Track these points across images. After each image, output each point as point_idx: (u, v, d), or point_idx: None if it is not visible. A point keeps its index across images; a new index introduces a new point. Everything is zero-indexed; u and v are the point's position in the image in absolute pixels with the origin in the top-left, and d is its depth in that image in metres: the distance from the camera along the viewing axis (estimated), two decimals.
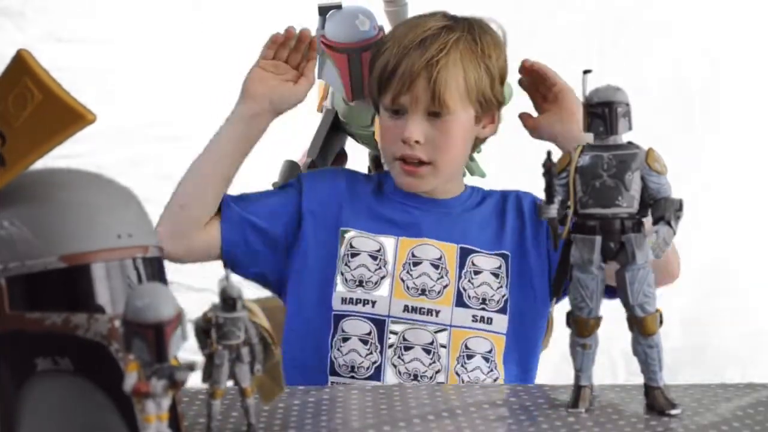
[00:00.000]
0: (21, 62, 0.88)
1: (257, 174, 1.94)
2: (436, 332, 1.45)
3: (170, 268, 0.98)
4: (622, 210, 1.07)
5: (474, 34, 1.49)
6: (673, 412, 1.09)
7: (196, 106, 3.07)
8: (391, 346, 1.45)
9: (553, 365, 1.67)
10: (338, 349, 1.46)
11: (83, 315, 0.87)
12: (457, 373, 1.44)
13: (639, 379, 1.13)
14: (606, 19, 3.16)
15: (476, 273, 1.48)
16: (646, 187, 1.08)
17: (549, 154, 1.06)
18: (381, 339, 1.45)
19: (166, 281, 0.97)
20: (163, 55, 3.09)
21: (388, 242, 1.49)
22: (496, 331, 1.47)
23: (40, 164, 0.91)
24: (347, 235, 1.49)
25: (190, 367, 0.81)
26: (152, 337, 0.80)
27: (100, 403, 0.88)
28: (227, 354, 0.97)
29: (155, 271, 0.95)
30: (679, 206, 1.07)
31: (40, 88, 0.87)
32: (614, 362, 2.67)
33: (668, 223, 1.06)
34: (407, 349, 1.45)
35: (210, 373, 0.98)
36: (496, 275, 1.48)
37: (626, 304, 1.09)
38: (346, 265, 1.48)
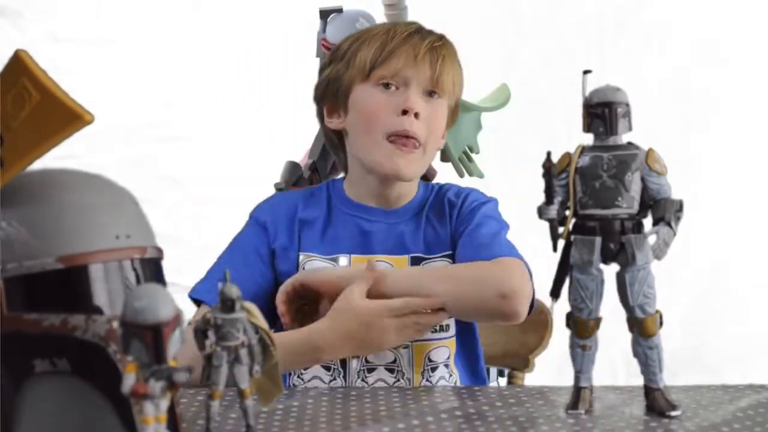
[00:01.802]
0: (19, 62, 0.87)
1: (259, 174, 1.94)
2: (398, 349, 1.43)
3: (169, 270, 0.98)
4: (621, 211, 1.07)
5: (448, 40, 1.52)
6: (674, 413, 1.08)
7: (194, 107, 3.08)
8: (354, 368, 1.43)
9: (553, 366, 1.67)
10: (299, 376, 1.45)
11: (81, 316, 0.87)
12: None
13: (639, 381, 1.13)
14: (606, 19, 3.16)
15: None
16: (646, 188, 1.07)
17: (549, 154, 1.06)
18: (343, 364, 1.43)
19: (164, 282, 0.97)
20: (162, 55, 3.08)
21: (341, 263, 1.46)
22: (450, 336, 1.47)
23: (38, 165, 0.90)
24: (302, 260, 1.47)
25: (189, 368, 0.81)
26: (150, 338, 0.80)
27: (98, 405, 0.88)
28: (226, 355, 0.97)
29: (153, 272, 0.94)
30: (679, 207, 1.07)
31: (38, 89, 0.87)
32: (614, 364, 2.67)
33: (668, 224, 1.06)
34: (370, 371, 1.44)
35: (208, 374, 0.98)
36: None
37: (626, 305, 1.08)
38: None
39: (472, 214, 1.48)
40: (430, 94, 1.46)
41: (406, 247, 1.47)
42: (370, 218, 1.50)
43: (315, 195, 1.56)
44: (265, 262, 1.47)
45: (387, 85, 1.45)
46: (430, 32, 1.49)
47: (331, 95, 1.51)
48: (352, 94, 1.48)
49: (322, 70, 1.55)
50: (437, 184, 1.58)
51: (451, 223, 1.49)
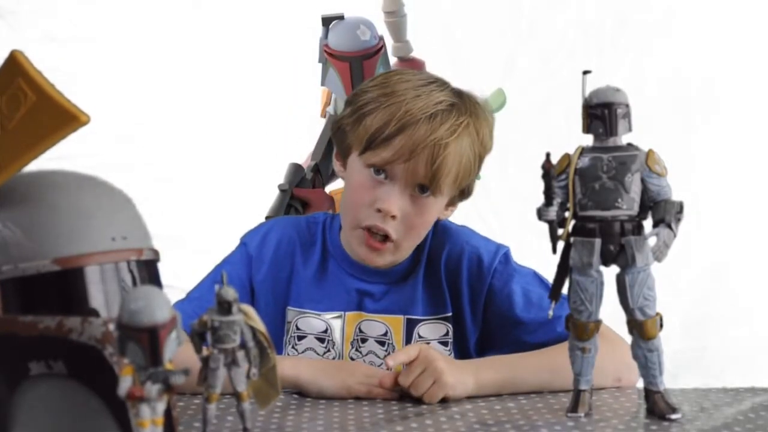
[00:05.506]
0: (14, 63, 0.87)
1: (262, 175, 1.94)
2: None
3: (165, 272, 0.97)
4: (621, 212, 1.06)
5: (477, 121, 1.39)
6: (674, 416, 1.08)
7: (194, 108, 3.07)
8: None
9: None
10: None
11: (77, 318, 0.86)
12: None
13: (639, 383, 1.12)
14: (606, 19, 3.16)
15: None
16: (647, 189, 1.07)
17: (548, 155, 1.05)
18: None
19: (160, 284, 0.96)
20: (160, 55, 3.08)
21: (335, 321, 1.42)
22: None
23: (33, 166, 0.90)
24: (293, 316, 1.42)
25: (185, 371, 0.81)
26: (147, 340, 0.79)
27: (94, 408, 0.88)
28: (223, 358, 0.96)
29: (150, 274, 0.94)
30: (679, 208, 1.06)
31: (34, 89, 0.86)
32: None
33: (669, 226, 1.05)
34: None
35: (205, 376, 0.97)
36: (444, 343, 1.42)
37: (626, 307, 1.08)
38: (293, 347, 1.42)
39: (503, 292, 1.40)
40: (422, 189, 1.35)
41: (402, 308, 1.42)
42: (366, 278, 1.43)
43: (312, 233, 1.48)
44: (247, 293, 1.43)
45: (378, 171, 1.35)
46: (451, 113, 1.35)
47: (338, 141, 1.44)
48: (350, 158, 1.40)
49: (348, 104, 1.45)
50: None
51: (459, 287, 1.42)
